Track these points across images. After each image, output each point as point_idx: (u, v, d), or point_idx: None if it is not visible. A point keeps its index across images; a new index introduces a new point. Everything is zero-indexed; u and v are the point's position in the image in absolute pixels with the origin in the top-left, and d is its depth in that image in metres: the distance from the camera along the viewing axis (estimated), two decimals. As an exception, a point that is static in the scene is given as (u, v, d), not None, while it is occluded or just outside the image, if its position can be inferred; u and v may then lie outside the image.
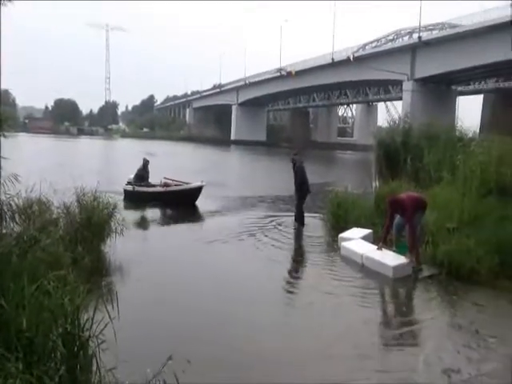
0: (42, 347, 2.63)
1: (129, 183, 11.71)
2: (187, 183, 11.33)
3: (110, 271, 5.71)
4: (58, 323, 2.74)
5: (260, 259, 6.52)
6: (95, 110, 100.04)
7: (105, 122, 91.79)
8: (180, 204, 10.49)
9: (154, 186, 11.51)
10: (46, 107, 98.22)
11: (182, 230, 8.79)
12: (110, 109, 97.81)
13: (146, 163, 12.00)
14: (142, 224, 9.01)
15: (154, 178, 11.94)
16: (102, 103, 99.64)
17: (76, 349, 2.73)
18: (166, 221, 9.74)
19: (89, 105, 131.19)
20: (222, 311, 4.53)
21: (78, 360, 2.71)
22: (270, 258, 6.61)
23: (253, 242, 7.65)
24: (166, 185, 11.24)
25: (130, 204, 10.76)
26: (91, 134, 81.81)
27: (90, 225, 5.95)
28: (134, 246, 6.81)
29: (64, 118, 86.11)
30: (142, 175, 11.75)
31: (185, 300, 4.85)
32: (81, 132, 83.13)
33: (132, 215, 9.29)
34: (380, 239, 6.46)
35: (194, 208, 10.84)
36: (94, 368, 2.74)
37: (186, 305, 4.71)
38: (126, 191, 11.60)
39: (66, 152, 34.14)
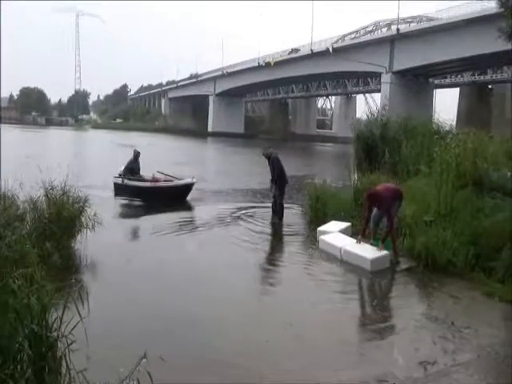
0: (7, 349, 2.56)
1: (119, 176, 11.41)
2: (178, 179, 11.12)
3: (80, 268, 5.60)
4: (24, 324, 2.66)
5: (235, 253, 6.51)
6: (65, 100, 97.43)
7: (75, 112, 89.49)
8: (169, 200, 10.24)
9: (144, 180, 11.16)
10: (11, 96, 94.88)
11: (156, 224, 8.66)
12: (80, 98, 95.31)
13: (137, 155, 11.56)
14: (117, 219, 8.85)
15: (145, 171, 11.60)
16: (72, 92, 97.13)
17: (44, 350, 2.66)
18: (142, 214, 9.61)
19: (58, 94, 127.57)
20: (193, 309, 4.50)
21: (45, 362, 2.64)
22: (245, 252, 6.60)
23: (229, 234, 7.64)
24: (154, 180, 10.98)
25: (116, 198, 10.67)
26: (60, 124, 79.69)
27: (59, 220, 5.81)
28: (107, 241, 6.68)
29: (31, 108, 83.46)
30: (132, 168, 11.35)
31: (158, 296, 4.80)
32: (49, 122, 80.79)
33: (110, 210, 9.15)
34: (359, 233, 6.55)
35: (178, 202, 10.57)
36: (64, 370, 2.68)
37: (159, 301, 4.67)
38: (115, 184, 11.34)
39: (33, 143, 33.14)
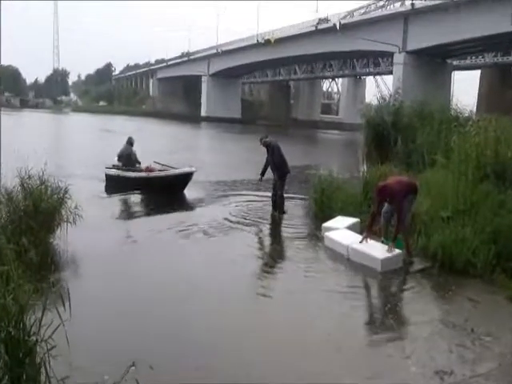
0: (-19, 355, 2.54)
1: (114, 166, 11.34)
2: (176, 168, 11.05)
3: (60, 266, 5.59)
4: (0, 326, 2.65)
5: (231, 253, 6.48)
6: (42, 80, 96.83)
7: (53, 93, 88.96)
8: (166, 192, 10.20)
9: (137, 170, 11.10)
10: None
11: (145, 219, 8.67)
12: (59, 78, 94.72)
13: (131, 143, 11.48)
14: (102, 212, 8.82)
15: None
16: (50, 72, 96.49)
17: (21, 355, 2.67)
18: (132, 208, 9.59)
19: (34, 74, 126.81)
20: (184, 311, 4.51)
21: (23, 369, 2.64)
22: (244, 251, 6.58)
23: (225, 231, 7.64)
24: (148, 169, 10.91)
25: (108, 190, 10.66)
26: (37, 106, 79.32)
27: (36, 213, 5.79)
28: (90, 236, 6.67)
29: (4, 88, 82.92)
30: (129, 155, 11.24)
31: (145, 297, 4.80)
32: (24, 104, 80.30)
33: (94, 202, 9.13)
34: (365, 229, 6.55)
35: (177, 196, 10.54)
36: (43, 378, 2.68)
37: (146, 303, 4.67)
38: (107, 176, 11.30)
39: (5, 127, 32.92)
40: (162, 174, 10.88)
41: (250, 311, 4.68)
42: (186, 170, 10.86)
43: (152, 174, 10.76)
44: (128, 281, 5.30)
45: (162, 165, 11.27)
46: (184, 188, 10.85)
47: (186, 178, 10.80)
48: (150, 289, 5.05)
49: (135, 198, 10.20)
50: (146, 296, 4.86)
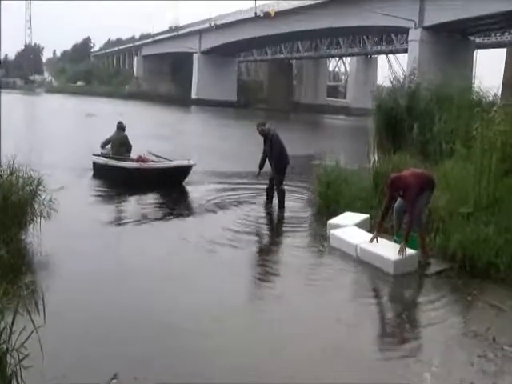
0: None
1: (102, 154, 11.29)
2: (171, 160, 10.97)
3: (33, 266, 5.58)
4: (-35, 334, 2.65)
5: (222, 256, 6.44)
6: (12, 56, 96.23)
7: (25, 71, 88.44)
8: (160, 186, 10.07)
9: (128, 159, 11.00)
10: None
11: (130, 212, 8.65)
12: (31, 54, 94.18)
13: (124, 126, 11.42)
14: (82, 205, 8.81)
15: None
16: (22, 47, 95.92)
17: (-11, 367, 2.66)
18: (115, 199, 9.62)
19: (3, 50, 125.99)
20: (167, 319, 4.50)
21: (-8, 381, 2.64)
22: (236, 253, 6.57)
23: (218, 225, 7.63)
24: (141, 160, 10.77)
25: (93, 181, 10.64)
26: (6, 86, 78.67)
27: (5, 207, 5.76)
28: (66, 232, 6.66)
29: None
30: (124, 142, 11.17)
31: (127, 301, 4.81)
32: (-9, 84, 79.90)
33: (73, 194, 9.12)
34: (376, 227, 6.56)
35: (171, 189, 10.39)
36: (15, 391, 2.68)
37: (129, 307, 4.68)
38: (96, 165, 11.26)
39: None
40: (157, 165, 10.71)
41: (243, 327, 4.60)
42: (184, 162, 10.70)
43: (145, 166, 10.59)
44: (109, 282, 5.30)
45: (157, 156, 11.12)
46: (181, 183, 10.73)
47: (183, 172, 10.64)
48: (132, 292, 5.05)
49: (122, 191, 10.12)
50: (128, 300, 4.86)
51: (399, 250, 5.97)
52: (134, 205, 9.34)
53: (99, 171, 11.16)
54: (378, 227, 6.46)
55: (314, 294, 5.36)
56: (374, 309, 5.19)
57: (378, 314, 5.13)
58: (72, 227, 7.07)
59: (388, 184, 6.33)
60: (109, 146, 11.47)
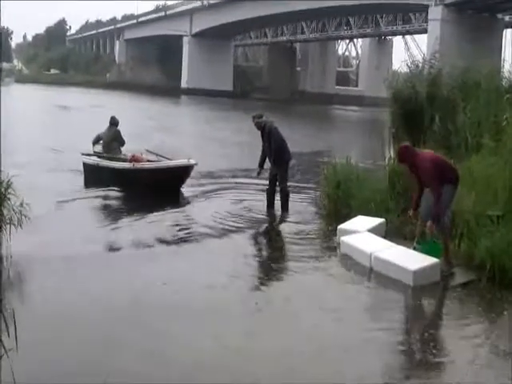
0: None
1: (95, 153, 11.31)
2: (168, 159, 10.84)
3: (2, 281, 5.55)
4: None
5: (218, 269, 6.44)
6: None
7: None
8: (157, 189, 9.80)
9: (119, 159, 10.97)
10: None
11: (115, 219, 8.66)
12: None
13: (117, 122, 11.49)
14: (59, 211, 8.83)
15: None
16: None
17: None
18: (99, 207, 9.60)
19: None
20: (158, 331, 4.55)
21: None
22: (235, 266, 6.58)
23: (212, 237, 7.66)
24: (134, 159, 10.66)
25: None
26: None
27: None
28: (40, 242, 6.66)
29: None
30: (115, 137, 11.23)
31: (107, 320, 4.81)
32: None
33: (46, 199, 9.11)
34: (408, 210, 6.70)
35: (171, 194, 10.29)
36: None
37: (109, 327, 4.68)
38: (86, 166, 11.27)
39: None
40: (152, 165, 10.56)
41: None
42: (183, 162, 10.41)
43: (138, 166, 10.47)
44: (86, 299, 5.27)
45: (157, 155, 11.00)
46: (180, 186, 10.53)
47: (182, 174, 10.39)
48: (113, 309, 5.05)
49: (109, 194, 10.12)
50: (108, 319, 4.86)
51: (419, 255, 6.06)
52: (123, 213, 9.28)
53: (91, 174, 11.08)
54: (413, 208, 6.53)
55: (323, 306, 5.38)
56: (392, 324, 5.15)
57: (396, 329, 5.09)
58: (46, 237, 7.07)
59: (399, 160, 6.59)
60: (100, 142, 11.51)
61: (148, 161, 10.84)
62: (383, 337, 4.85)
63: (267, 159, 9.19)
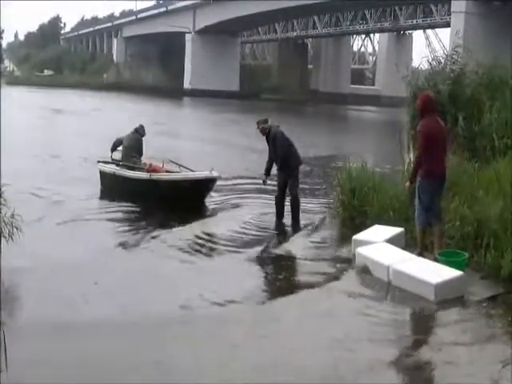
0: None
1: (114, 161, 11.36)
2: (192, 171, 10.62)
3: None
4: None
5: (223, 286, 6.48)
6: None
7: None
8: (176, 202, 9.69)
9: (139, 168, 10.85)
10: None
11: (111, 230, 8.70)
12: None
13: (143, 132, 11.44)
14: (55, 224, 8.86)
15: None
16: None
17: None
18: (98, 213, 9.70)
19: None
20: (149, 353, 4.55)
21: None
22: (241, 281, 6.62)
23: (215, 252, 7.74)
24: (151, 169, 10.57)
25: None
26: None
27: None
28: (34, 256, 6.68)
29: None
30: (137, 147, 11.20)
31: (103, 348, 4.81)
32: None
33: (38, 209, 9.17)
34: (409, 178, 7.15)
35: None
36: None
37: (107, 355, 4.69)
38: (102, 174, 11.33)
39: None
40: (169, 177, 10.45)
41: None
42: (205, 174, 10.11)
43: (155, 176, 10.37)
44: (82, 329, 5.25)
45: (180, 165, 10.88)
46: (201, 200, 10.34)
47: (203, 186, 10.20)
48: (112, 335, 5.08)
49: (120, 205, 10.17)
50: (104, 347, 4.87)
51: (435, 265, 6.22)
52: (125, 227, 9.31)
53: (108, 183, 11.13)
54: (411, 178, 6.98)
55: (338, 323, 5.38)
56: (412, 344, 5.15)
57: (415, 350, 5.04)
58: (42, 251, 7.09)
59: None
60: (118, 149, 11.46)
61: (166, 171, 10.72)
62: (401, 355, 4.83)
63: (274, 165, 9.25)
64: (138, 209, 10.00)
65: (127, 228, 8.94)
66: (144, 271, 6.82)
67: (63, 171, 13.08)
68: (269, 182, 9.52)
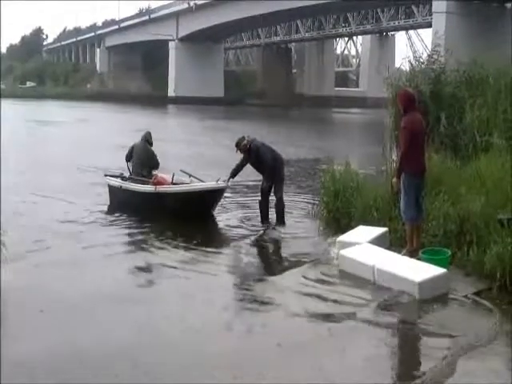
0: None
1: (120, 176, 11.02)
2: (202, 181, 10.31)
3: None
4: None
5: (204, 289, 6.49)
6: None
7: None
8: (183, 215, 9.48)
9: (143, 180, 10.47)
10: None
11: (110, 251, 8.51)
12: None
13: (150, 140, 10.96)
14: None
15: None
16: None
17: None
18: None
19: None
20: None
21: None
22: (222, 285, 6.63)
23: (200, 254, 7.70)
24: (157, 182, 10.16)
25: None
26: None
27: None
28: (25, 284, 6.44)
29: None
30: (146, 157, 10.74)
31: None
32: None
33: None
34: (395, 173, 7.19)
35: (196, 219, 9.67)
36: None
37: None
38: (110, 188, 10.97)
39: None
40: (175, 189, 10.12)
41: None
42: (211, 185, 9.82)
43: (161, 189, 10.04)
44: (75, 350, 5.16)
45: (190, 175, 10.50)
46: (207, 211, 10.02)
47: (210, 197, 9.86)
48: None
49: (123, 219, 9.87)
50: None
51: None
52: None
53: (115, 197, 10.79)
54: (396, 174, 7.05)
55: (321, 333, 5.37)
56: (395, 351, 5.17)
57: (400, 355, 5.10)
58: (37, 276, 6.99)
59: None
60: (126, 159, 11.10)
61: (173, 183, 10.35)
62: (385, 360, 4.84)
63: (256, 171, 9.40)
64: (142, 221, 9.67)
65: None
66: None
67: (60, 184, 12.80)
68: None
